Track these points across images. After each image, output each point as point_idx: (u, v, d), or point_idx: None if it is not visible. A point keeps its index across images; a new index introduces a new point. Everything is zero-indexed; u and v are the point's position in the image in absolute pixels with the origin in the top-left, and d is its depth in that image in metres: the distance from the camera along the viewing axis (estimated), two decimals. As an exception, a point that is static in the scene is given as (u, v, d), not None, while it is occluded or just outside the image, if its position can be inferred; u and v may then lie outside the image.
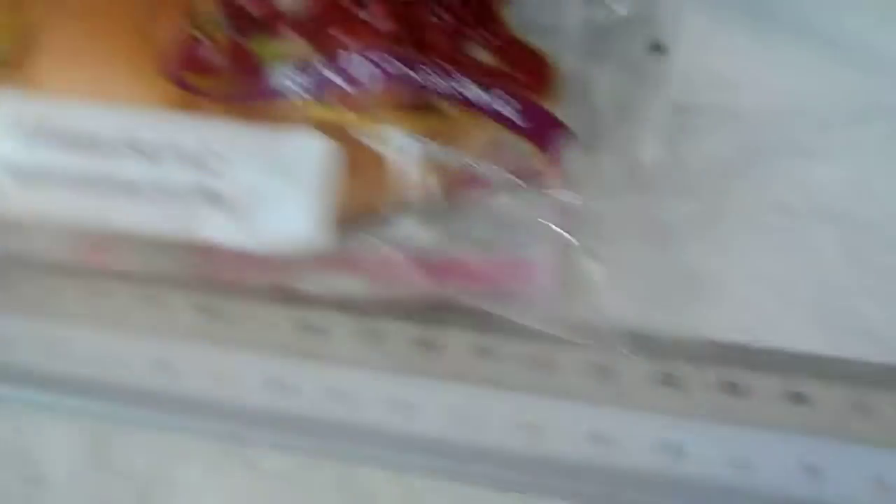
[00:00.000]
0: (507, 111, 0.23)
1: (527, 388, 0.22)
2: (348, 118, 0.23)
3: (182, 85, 0.23)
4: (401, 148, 0.22)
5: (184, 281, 0.25)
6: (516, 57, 0.25)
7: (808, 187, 0.28)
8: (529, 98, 0.24)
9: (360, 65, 0.22)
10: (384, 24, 0.23)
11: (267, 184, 0.22)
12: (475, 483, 0.20)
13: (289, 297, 0.24)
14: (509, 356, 0.23)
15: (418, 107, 0.23)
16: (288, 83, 0.23)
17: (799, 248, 0.26)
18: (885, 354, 0.23)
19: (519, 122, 0.23)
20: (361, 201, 0.23)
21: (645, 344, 0.23)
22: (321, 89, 0.23)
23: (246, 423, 0.21)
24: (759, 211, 0.27)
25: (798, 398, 0.22)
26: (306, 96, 0.23)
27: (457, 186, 0.24)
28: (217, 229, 0.22)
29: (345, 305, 0.24)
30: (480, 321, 0.24)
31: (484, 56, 0.26)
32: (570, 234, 0.24)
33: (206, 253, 0.24)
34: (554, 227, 0.24)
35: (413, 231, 0.23)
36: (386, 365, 0.23)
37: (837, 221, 0.27)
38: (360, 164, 0.23)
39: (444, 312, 0.24)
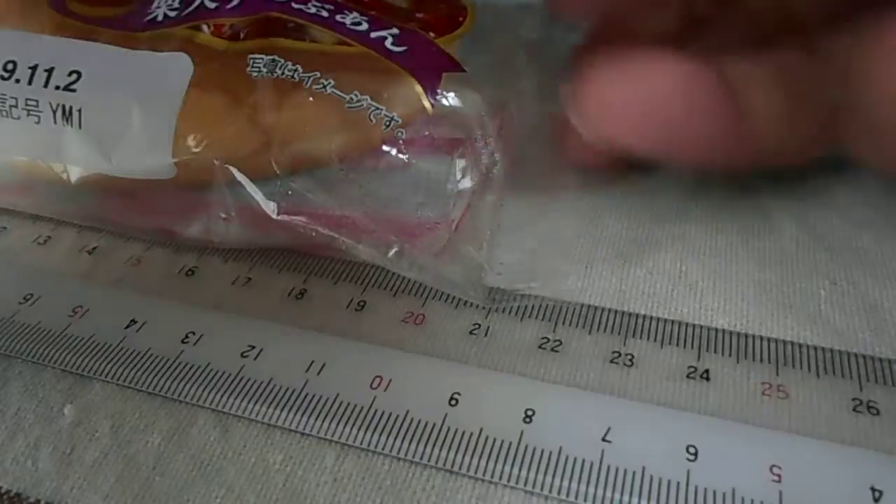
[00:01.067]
0: (389, 43, 0.21)
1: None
2: (222, 44, 0.21)
3: (67, 13, 0.23)
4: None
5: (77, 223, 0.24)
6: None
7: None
8: (419, 34, 0.22)
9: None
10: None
11: (125, 105, 0.21)
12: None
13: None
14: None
15: (291, 34, 0.21)
16: (165, 10, 0.22)
17: (750, 228, 0.22)
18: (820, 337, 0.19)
19: (400, 54, 0.21)
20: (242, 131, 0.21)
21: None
22: (197, 16, 0.22)
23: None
24: (709, 187, 0.24)
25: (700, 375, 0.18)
26: (183, 23, 0.22)
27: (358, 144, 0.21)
28: (77, 152, 0.21)
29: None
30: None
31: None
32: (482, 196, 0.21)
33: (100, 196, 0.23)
34: (460, 186, 0.21)
35: (306, 186, 0.21)
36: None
37: (802, 202, 0.23)
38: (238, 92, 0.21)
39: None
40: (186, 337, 0.19)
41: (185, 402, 0.18)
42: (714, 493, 0.15)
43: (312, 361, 0.18)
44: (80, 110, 0.21)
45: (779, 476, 0.15)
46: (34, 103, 0.21)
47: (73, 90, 0.21)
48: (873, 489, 0.15)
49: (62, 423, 0.18)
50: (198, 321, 0.20)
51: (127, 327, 0.20)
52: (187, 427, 0.18)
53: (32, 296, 0.21)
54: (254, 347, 0.19)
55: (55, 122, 0.21)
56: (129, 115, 0.21)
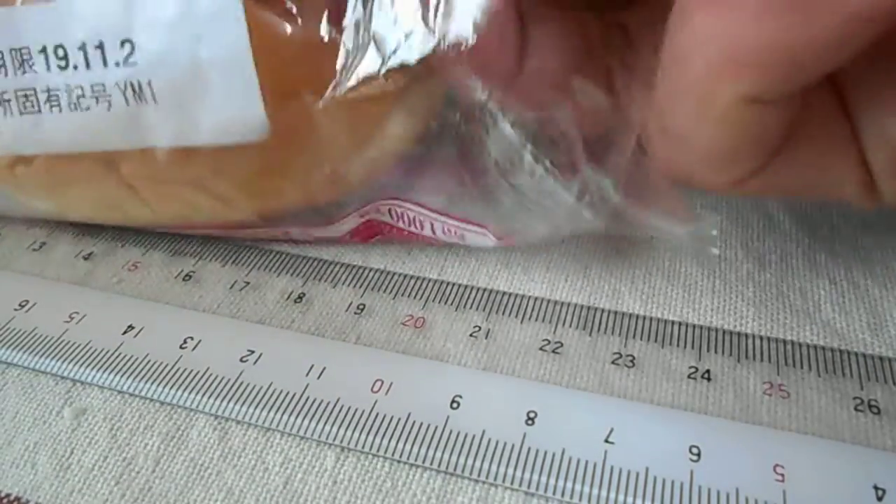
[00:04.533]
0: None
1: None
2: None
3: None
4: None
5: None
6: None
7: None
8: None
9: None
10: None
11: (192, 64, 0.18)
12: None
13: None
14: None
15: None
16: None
17: (750, 228, 0.22)
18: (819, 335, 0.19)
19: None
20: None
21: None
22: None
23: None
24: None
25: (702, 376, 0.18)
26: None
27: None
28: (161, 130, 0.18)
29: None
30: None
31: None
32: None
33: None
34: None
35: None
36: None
37: (802, 202, 0.23)
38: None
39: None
40: (185, 342, 0.19)
41: (185, 408, 0.18)
42: (718, 493, 0.15)
43: (312, 365, 0.18)
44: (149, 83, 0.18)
45: (782, 476, 0.15)
46: (100, 88, 0.18)
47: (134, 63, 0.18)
48: (876, 487, 0.15)
49: (61, 426, 0.18)
50: (196, 326, 0.20)
51: (124, 333, 0.20)
52: (186, 429, 0.18)
53: (28, 302, 0.21)
54: (253, 352, 0.19)
55: (127, 102, 0.18)
56: (199, 74, 0.18)
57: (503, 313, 0.20)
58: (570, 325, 0.19)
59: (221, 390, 0.18)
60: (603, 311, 0.19)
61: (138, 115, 0.18)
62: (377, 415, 0.17)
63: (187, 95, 0.18)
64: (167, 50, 0.18)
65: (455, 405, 0.17)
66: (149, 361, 0.19)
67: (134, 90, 0.18)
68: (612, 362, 0.18)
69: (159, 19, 0.18)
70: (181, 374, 0.18)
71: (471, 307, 0.20)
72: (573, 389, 0.17)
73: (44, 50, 0.19)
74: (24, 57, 0.19)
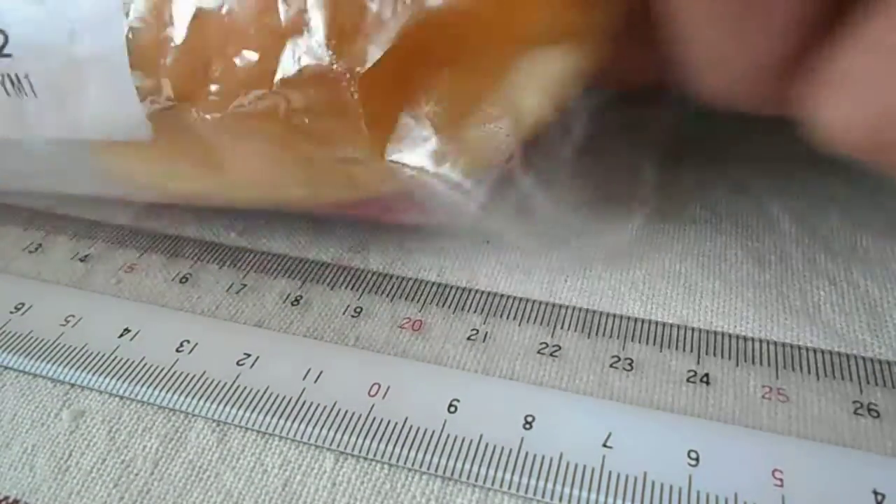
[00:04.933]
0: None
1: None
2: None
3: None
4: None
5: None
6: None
7: (767, 165, 0.24)
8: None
9: None
10: None
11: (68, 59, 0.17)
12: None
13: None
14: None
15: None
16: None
17: (750, 228, 0.22)
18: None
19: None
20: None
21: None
22: None
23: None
24: (708, 188, 0.24)
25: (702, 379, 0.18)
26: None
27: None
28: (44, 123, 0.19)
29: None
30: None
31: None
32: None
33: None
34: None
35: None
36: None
37: (797, 198, 0.23)
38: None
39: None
40: (181, 345, 0.19)
41: (182, 411, 0.18)
42: (716, 498, 0.15)
43: (309, 369, 0.18)
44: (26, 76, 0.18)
45: (781, 480, 0.15)
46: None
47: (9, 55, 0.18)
48: (875, 492, 0.15)
49: (59, 429, 0.18)
50: (192, 329, 0.20)
51: (120, 336, 0.19)
52: (185, 431, 0.18)
53: (24, 304, 0.21)
54: (249, 355, 0.19)
55: (7, 94, 0.18)
56: (75, 70, 0.17)
57: (501, 316, 0.19)
58: (569, 328, 0.19)
59: (218, 394, 0.18)
60: (601, 313, 0.19)
61: (20, 107, 0.18)
62: (374, 419, 0.17)
63: (65, 90, 0.18)
64: (42, 45, 0.18)
65: (452, 409, 0.17)
66: (145, 365, 0.19)
67: (12, 82, 0.18)
68: (611, 365, 0.18)
69: (33, 13, 0.18)
70: (177, 378, 0.18)
71: (469, 310, 0.20)
72: (571, 393, 0.17)
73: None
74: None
